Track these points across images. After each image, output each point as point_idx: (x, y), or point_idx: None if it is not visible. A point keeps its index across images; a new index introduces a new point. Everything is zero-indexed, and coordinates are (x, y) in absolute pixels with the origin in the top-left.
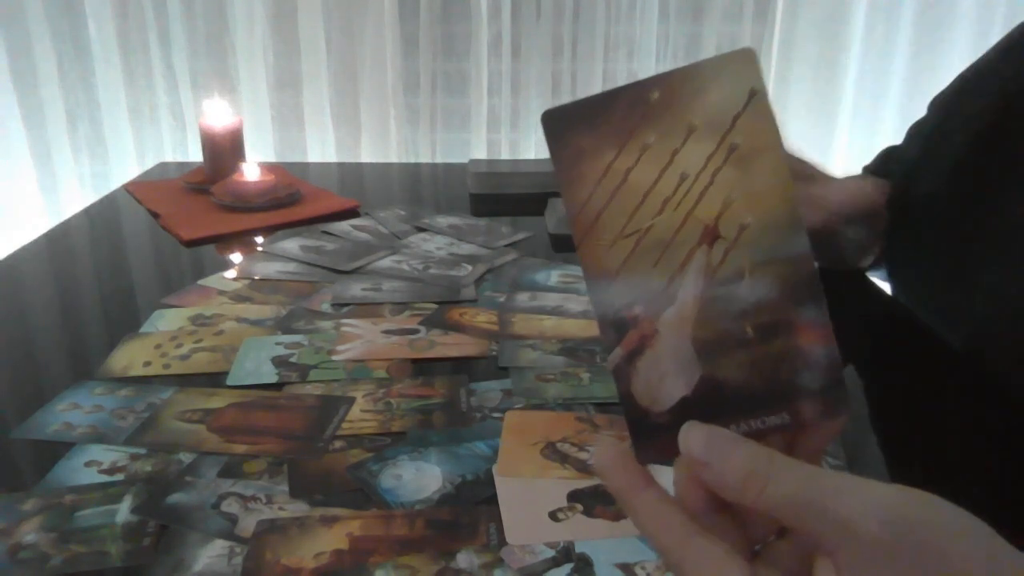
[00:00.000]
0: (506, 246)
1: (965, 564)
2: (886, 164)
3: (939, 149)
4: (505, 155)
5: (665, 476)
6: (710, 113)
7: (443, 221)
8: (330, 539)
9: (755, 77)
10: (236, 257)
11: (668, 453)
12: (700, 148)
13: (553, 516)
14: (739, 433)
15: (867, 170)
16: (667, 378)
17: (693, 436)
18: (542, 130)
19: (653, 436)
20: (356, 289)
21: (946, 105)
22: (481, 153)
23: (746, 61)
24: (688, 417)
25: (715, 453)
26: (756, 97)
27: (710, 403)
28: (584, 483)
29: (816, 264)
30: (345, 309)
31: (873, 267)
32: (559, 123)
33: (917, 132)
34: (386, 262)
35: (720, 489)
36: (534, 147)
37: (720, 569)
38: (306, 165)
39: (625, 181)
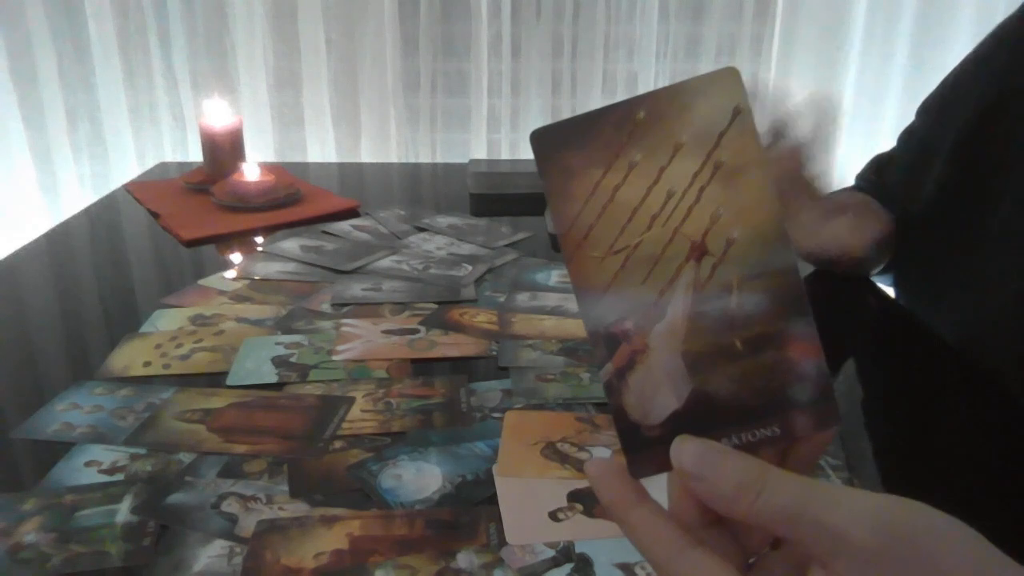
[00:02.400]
0: (506, 246)
1: (957, 570)
2: (879, 172)
3: (931, 155)
4: (505, 155)
5: (658, 488)
6: (696, 131)
7: (443, 221)
8: (330, 539)
9: (739, 95)
10: (236, 257)
11: (661, 466)
12: (686, 165)
13: (553, 516)
14: (731, 446)
15: (859, 178)
16: (658, 392)
17: (685, 449)
18: (531, 149)
19: (646, 450)
20: (356, 289)
21: (935, 110)
22: (481, 153)
23: (730, 80)
24: (680, 430)
25: (707, 466)
26: (740, 115)
27: (702, 416)
28: (584, 483)
29: (802, 277)
30: (345, 309)
31: (880, 273)
32: (548, 142)
33: (908, 139)
34: (386, 262)
35: (713, 501)
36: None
37: None
38: (306, 165)
39: (613, 198)
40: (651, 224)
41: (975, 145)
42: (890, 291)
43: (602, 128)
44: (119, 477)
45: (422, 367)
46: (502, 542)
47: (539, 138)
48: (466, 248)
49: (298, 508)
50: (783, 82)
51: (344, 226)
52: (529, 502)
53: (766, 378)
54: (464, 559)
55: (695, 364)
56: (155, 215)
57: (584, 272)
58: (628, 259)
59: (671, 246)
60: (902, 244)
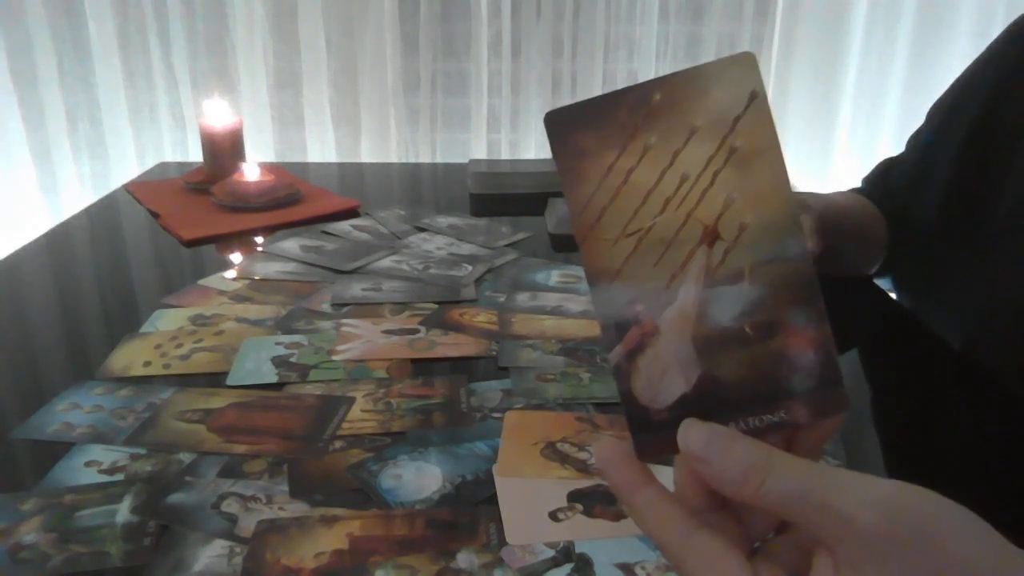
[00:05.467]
0: (506, 246)
1: (965, 557)
2: (886, 176)
3: (936, 158)
4: (505, 155)
5: (665, 474)
6: (711, 115)
7: (443, 221)
8: (330, 539)
9: (755, 80)
10: (236, 257)
11: (668, 450)
12: (701, 149)
13: (553, 516)
14: (738, 430)
15: (865, 181)
16: (667, 376)
17: (692, 433)
18: (545, 130)
19: (653, 433)
20: (356, 289)
21: (941, 113)
22: (481, 153)
23: (746, 65)
24: (687, 415)
25: (714, 449)
26: (756, 100)
27: (709, 401)
28: (584, 483)
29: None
30: (345, 309)
31: (879, 274)
32: (562, 124)
33: (916, 142)
34: (386, 262)
35: (719, 485)
36: (534, 147)
37: (720, 564)
38: (306, 165)
39: (627, 181)
40: (664, 208)
41: (980, 146)
42: (891, 292)
43: (617, 110)
44: (119, 477)
45: (422, 367)
46: (502, 542)
47: (553, 119)
48: (466, 248)
49: (298, 508)
50: None
51: (344, 226)
52: (529, 502)
53: (775, 364)
54: (464, 559)
55: (705, 348)
56: (155, 215)
57: (596, 254)
58: (640, 242)
59: (684, 230)
60: (903, 245)
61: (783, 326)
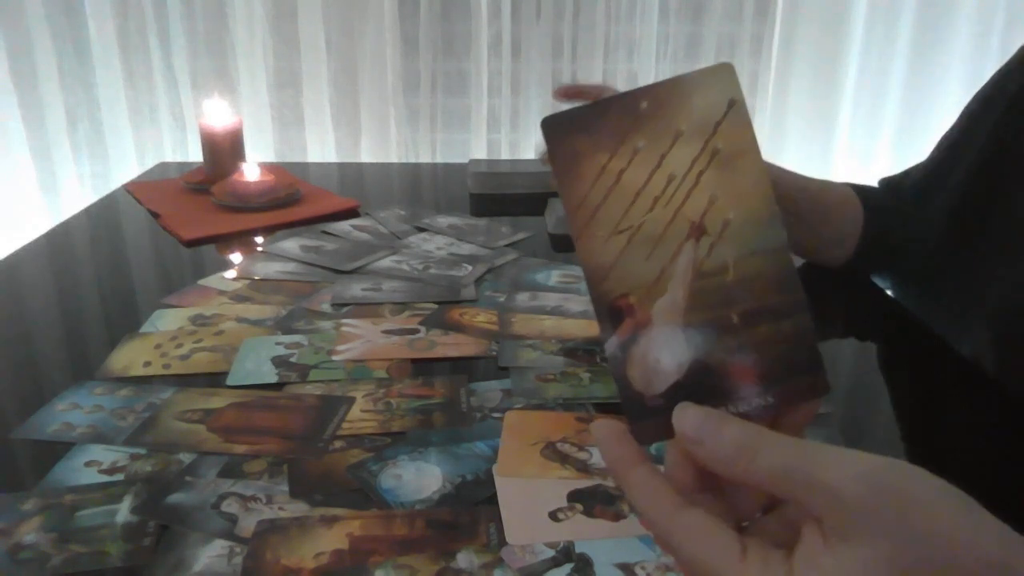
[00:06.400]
0: (506, 246)
1: (949, 525)
2: (904, 175)
3: (961, 156)
4: (505, 155)
5: None
6: (694, 120)
7: (443, 221)
8: (330, 539)
9: (734, 88)
10: (236, 257)
11: (663, 434)
12: (686, 152)
13: (553, 516)
14: (728, 413)
15: (882, 181)
16: (660, 363)
17: (687, 416)
18: (542, 135)
19: (648, 418)
20: (356, 289)
21: (973, 111)
22: (481, 153)
23: (726, 74)
24: (680, 400)
25: (707, 431)
26: (735, 106)
27: (700, 387)
28: (584, 483)
29: (792, 256)
30: (345, 309)
31: (879, 273)
32: (558, 129)
33: (942, 141)
34: (386, 262)
35: (713, 464)
36: (534, 147)
37: (708, 539)
38: (306, 165)
39: (618, 181)
40: (653, 206)
41: (1000, 149)
42: (890, 292)
43: (608, 116)
44: (119, 477)
45: (422, 367)
46: (502, 542)
47: (549, 124)
48: (466, 248)
49: (298, 508)
50: None
51: (344, 226)
52: (529, 502)
53: (760, 349)
54: (464, 559)
55: (694, 337)
56: (155, 215)
57: (591, 250)
58: (632, 238)
59: (672, 226)
60: (906, 240)
61: (767, 313)
